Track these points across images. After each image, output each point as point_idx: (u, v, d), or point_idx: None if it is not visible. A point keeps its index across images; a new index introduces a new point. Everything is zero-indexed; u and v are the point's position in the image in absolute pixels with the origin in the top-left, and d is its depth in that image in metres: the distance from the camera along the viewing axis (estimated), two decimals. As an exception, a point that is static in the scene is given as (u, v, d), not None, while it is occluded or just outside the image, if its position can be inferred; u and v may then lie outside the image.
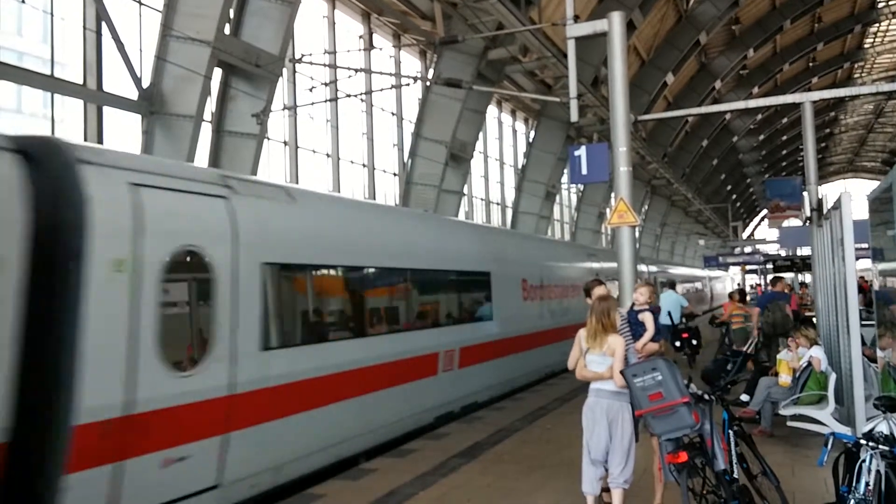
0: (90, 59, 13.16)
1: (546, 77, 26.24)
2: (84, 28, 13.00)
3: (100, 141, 13.21)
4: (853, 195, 8.14)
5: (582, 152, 10.76)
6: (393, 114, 22.83)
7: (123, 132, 13.97)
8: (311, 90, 16.55)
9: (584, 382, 6.38)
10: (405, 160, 22.54)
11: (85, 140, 12.89)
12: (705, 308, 43.98)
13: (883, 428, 5.17)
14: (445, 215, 20.92)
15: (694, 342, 16.13)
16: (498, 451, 9.41)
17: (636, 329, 6.71)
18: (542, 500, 7.21)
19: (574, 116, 11.53)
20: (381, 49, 21.57)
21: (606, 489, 6.31)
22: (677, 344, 15.61)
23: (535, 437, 10.23)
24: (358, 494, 7.59)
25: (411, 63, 24.03)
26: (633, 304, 7.06)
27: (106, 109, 13.42)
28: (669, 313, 15.85)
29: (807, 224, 14.23)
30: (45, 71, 12.42)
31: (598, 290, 6.60)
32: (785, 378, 9.56)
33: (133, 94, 13.48)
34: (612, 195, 12.00)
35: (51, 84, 12.37)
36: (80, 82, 12.99)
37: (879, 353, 7.64)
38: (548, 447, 9.44)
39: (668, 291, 18.07)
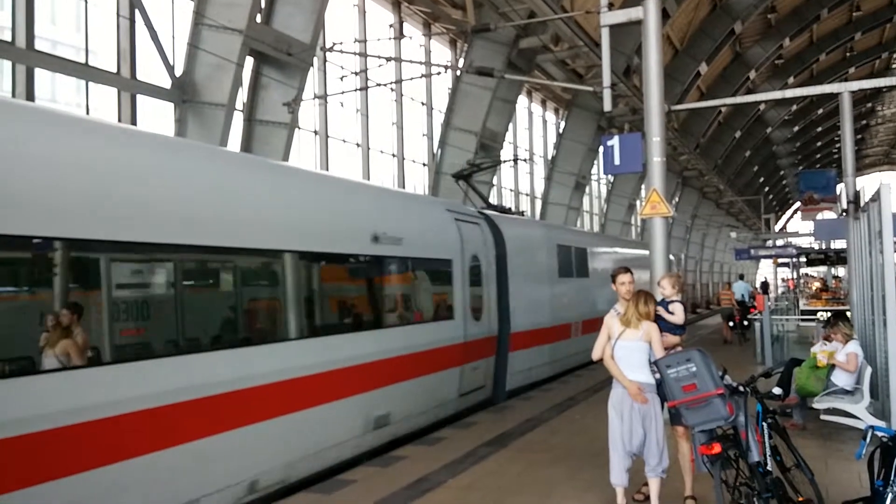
0: (123, 48, 13.27)
1: (577, 66, 26.04)
2: (118, 16, 13.11)
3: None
4: (891, 187, 7.97)
5: (615, 142, 10.65)
6: (423, 103, 22.81)
7: (156, 120, 14.10)
8: (341, 79, 16.58)
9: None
10: (435, 150, 22.53)
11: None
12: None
13: (923, 422, 5.08)
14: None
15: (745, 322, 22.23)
16: (527, 440, 9.42)
17: (660, 323, 6.57)
18: (572, 490, 7.20)
19: (608, 106, 11.42)
20: (411, 38, 21.54)
21: (646, 483, 6.34)
22: (745, 323, 22.07)
23: (564, 427, 10.21)
24: (388, 481, 7.63)
25: (441, 52, 23.98)
26: (663, 298, 6.96)
27: (139, 97, 13.53)
28: (743, 295, 24.20)
29: (842, 216, 14.01)
30: (79, 59, 12.56)
31: (623, 278, 6.54)
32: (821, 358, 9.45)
33: (166, 82, 13.59)
34: (643, 186, 11.94)
35: (85, 72, 12.49)
36: (114, 70, 13.11)
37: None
38: (577, 437, 9.41)
39: (739, 281, 26.10)
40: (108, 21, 13.17)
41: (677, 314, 6.67)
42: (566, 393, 13.08)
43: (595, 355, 6.41)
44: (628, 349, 6.13)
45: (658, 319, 6.41)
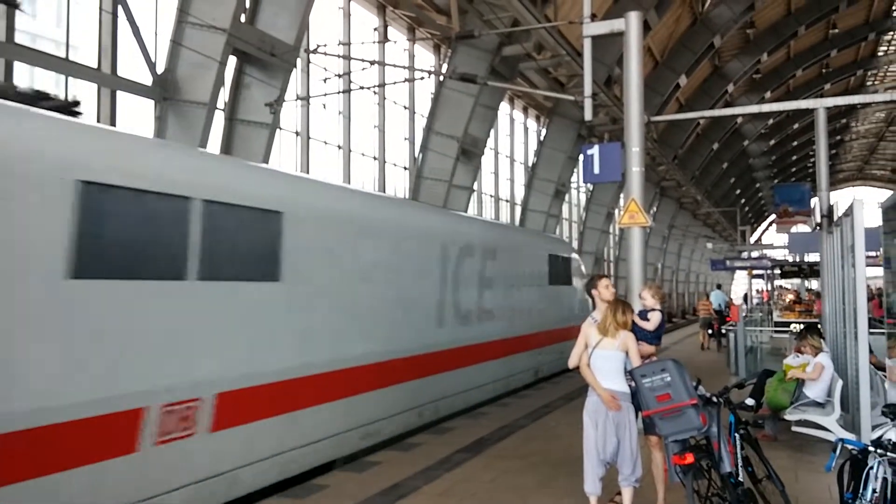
0: (105, 43, 13.17)
1: (559, 75, 26.16)
2: (100, 10, 13.01)
3: (112, 125, 13.24)
4: (863, 203, 8.12)
5: (595, 151, 10.75)
6: (405, 107, 22.82)
7: (137, 117, 13.98)
8: (324, 81, 16.54)
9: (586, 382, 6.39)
10: (416, 154, 22.53)
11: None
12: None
13: (891, 435, 5.18)
14: (457, 210, 20.99)
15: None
16: (502, 447, 9.44)
17: (636, 331, 6.63)
18: (546, 498, 7.23)
19: (588, 115, 11.51)
20: (395, 42, 21.54)
21: (619, 492, 6.39)
22: (723, 331, 22.40)
23: (539, 434, 10.25)
24: (362, 486, 7.62)
25: (425, 57, 24.01)
26: (644, 308, 7.03)
27: (119, 94, 13.42)
28: (720, 304, 25.90)
29: (816, 230, 14.20)
30: (60, 54, 12.43)
31: (604, 282, 6.63)
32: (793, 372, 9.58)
33: (147, 79, 13.50)
34: (622, 196, 12.01)
35: (65, 67, 12.36)
36: (95, 66, 13.01)
37: (888, 362, 7.64)
38: (551, 445, 9.46)
39: (716, 291, 27.43)
40: (90, 16, 13.07)
41: (651, 321, 6.76)
42: (542, 400, 13.12)
43: (572, 363, 6.46)
44: (605, 358, 6.18)
45: (633, 327, 6.48)
